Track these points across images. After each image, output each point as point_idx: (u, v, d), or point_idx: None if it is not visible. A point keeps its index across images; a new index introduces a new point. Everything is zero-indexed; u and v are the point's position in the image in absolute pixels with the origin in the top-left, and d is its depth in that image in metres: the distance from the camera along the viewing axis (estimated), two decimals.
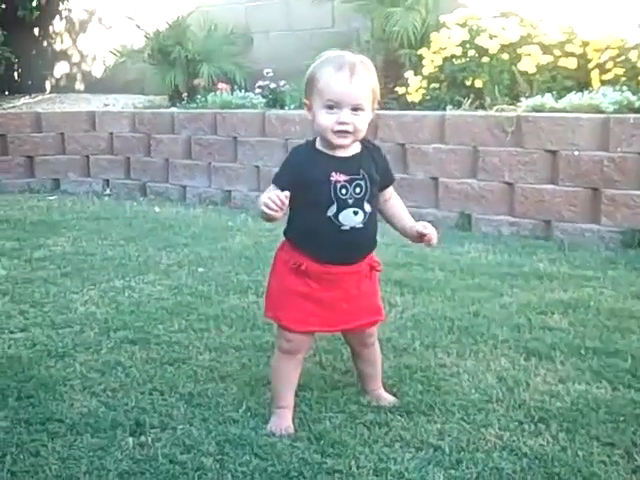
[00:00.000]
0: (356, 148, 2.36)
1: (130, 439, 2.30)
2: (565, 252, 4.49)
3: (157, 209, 6.25)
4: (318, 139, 2.36)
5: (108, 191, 7.14)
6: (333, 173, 2.29)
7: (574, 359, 2.85)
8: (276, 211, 2.20)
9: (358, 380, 2.63)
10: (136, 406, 2.51)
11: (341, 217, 2.30)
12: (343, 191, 2.30)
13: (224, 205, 6.40)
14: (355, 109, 2.26)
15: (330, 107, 2.27)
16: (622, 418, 2.37)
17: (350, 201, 2.30)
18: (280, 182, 2.32)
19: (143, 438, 2.31)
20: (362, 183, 2.32)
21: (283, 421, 2.37)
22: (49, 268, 4.28)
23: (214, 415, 2.45)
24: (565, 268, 4.13)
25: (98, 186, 7.21)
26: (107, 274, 4.13)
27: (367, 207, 2.33)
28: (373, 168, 2.36)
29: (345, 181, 2.30)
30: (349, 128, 2.26)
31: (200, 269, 4.22)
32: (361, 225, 2.33)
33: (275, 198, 2.19)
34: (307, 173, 2.31)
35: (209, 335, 3.17)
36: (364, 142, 2.39)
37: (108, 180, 7.20)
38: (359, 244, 2.38)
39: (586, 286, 3.76)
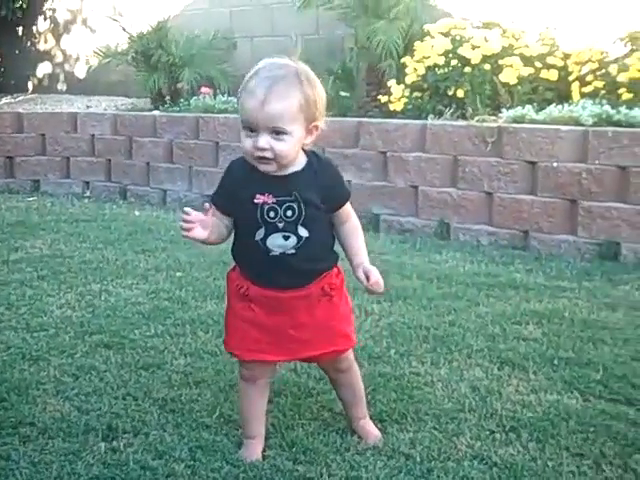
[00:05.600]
0: (298, 165, 2.13)
1: (102, 444, 2.30)
2: (542, 262, 4.52)
3: (137, 212, 6.23)
4: None
5: (88, 193, 7.09)
6: (258, 195, 2.09)
7: (547, 369, 2.88)
8: (187, 230, 2.09)
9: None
10: (109, 411, 2.51)
11: (269, 242, 2.11)
12: (271, 214, 2.09)
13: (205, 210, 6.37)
14: (276, 132, 2.02)
15: (250, 129, 2.04)
16: (592, 429, 2.40)
17: (280, 225, 2.10)
18: (215, 201, 2.18)
19: (115, 443, 2.31)
20: (294, 205, 2.09)
21: (252, 453, 2.24)
22: (26, 271, 4.26)
23: (187, 421, 2.46)
24: (541, 279, 4.15)
25: (78, 188, 7.17)
26: (84, 277, 4.12)
27: (303, 231, 2.11)
28: (313, 188, 2.12)
29: (274, 203, 2.09)
30: (268, 154, 2.03)
31: (178, 274, 4.22)
32: (293, 251, 2.12)
33: (183, 217, 2.09)
34: (236, 192, 2.13)
35: (185, 340, 3.18)
36: (310, 157, 2.15)
37: (88, 182, 7.16)
38: (294, 271, 2.14)
39: (561, 297, 3.79)
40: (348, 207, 2.24)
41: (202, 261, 4.49)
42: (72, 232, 5.32)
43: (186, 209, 2.11)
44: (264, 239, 2.12)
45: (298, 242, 2.12)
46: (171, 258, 4.57)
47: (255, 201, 2.10)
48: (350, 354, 2.35)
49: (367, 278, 2.16)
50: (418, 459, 2.23)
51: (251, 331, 2.20)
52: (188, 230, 2.10)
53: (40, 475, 2.13)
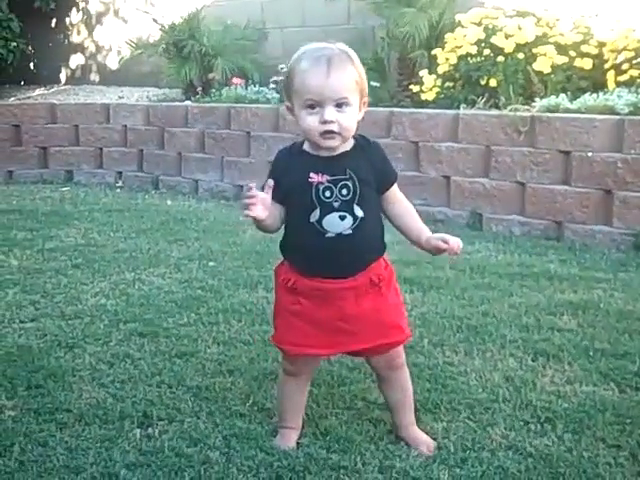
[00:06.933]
0: (346, 146, 2.13)
1: (137, 431, 2.32)
2: (576, 253, 4.47)
3: (169, 202, 6.27)
4: (306, 140, 2.16)
5: (121, 183, 7.15)
6: (312, 174, 2.08)
7: (582, 360, 2.85)
8: (249, 206, 2.02)
9: (390, 418, 2.36)
10: (144, 398, 2.53)
11: (325, 223, 2.08)
12: (327, 193, 2.08)
13: (236, 200, 6.39)
14: (339, 105, 2.04)
15: (311, 107, 2.05)
16: (629, 420, 2.37)
17: (336, 204, 2.08)
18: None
19: (150, 430, 2.33)
20: (349, 184, 2.09)
21: (287, 441, 2.25)
22: (60, 259, 4.31)
23: (221, 409, 2.47)
24: (575, 269, 4.11)
25: (111, 178, 7.23)
26: (118, 266, 4.15)
27: (358, 211, 2.09)
28: (365, 167, 2.12)
29: (329, 182, 2.08)
30: (334, 127, 2.04)
31: (211, 263, 4.24)
32: (350, 232, 2.09)
33: (248, 193, 2.03)
34: (288, 177, 2.11)
35: (218, 329, 3.19)
36: (357, 138, 2.16)
37: (121, 172, 7.22)
38: (349, 254, 2.11)
39: (596, 288, 3.75)
40: (397, 189, 2.23)
41: (235, 250, 4.51)
42: (105, 222, 5.37)
43: (250, 185, 2.06)
44: (320, 220, 2.09)
45: (354, 222, 2.10)
46: (204, 247, 4.60)
47: (310, 180, 2.08)
48: (402, 350, 2.30)
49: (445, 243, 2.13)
50: (452, 449, 2.23)
51: (299, 325, 2.17)
52: (250, 208, 2.04)
53: (76, 461, 2.15)
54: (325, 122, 2.04)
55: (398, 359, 2.28)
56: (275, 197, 2.11)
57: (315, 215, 2.09)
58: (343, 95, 2.04)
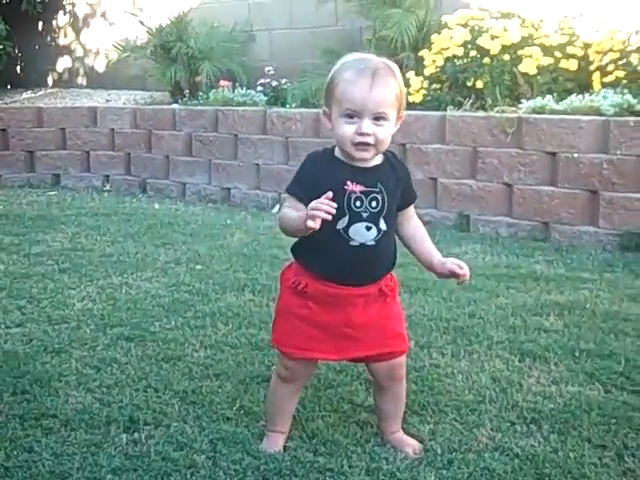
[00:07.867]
0: (377, 159, 2.15)
1: (124, 436, 2.32)
2: (562, 254, 4.49)
3: (156, 206, 6.26)
4: (337, 147, 2.16)
5: (108, 187, 7.14)
6: (348, 182, 2.09)
7: (568, 361, 2.86)
8: (317, 218, 1.95)
9: (377, 421, 2.37)
10: (130, 403, 2.53)
11: (351, 231, 2.10)
12: (357, 203, 2.10)
13: (223, 203, 6.40)
14: (377, 118, 2.06)
15: (349, 116, 2.06)
16: (614, 420, 2.39)
17: (364, 215, 2.10)
18: (296, 192, 2.13)
19: (137, 435, 2.32)
20: (379, 197, 2.11)
21: (273, 445, 2.25)
22: (47, 264, 4.30)
23: (208, 413, 2.46)
24: (562, 270, 4.13)
25: (98, 182, 7.22)
26: (105, 270, 4.14)
27: (383, 224, 2.12)
28: (394, 183, 2.16)
29: (361, 192, 2.10)
30: (370, 140, 2.06)
31: (198, 266, 4.23)
32: (373, 243, 2.12)
33: (322, 204, 1.95)
34: (321, 182, 2.08)
35: (205, 333, 3.18)
36: (387, 154, 2.18)
37: (108, 176, 7.21)
38: (368, 263, 2.14)
39: (582, 288, 3.77)
40: (413, 208, 2.28)
41: (222, 254, 4.50)
42: (92, 225, 5.36)
43: (330, 194, 1.99)
44: (347, 228, 2.10)
45: (378, 234, 2.13)
46: (191, 251, 4.59)
47: (345, 187, 2.09)
48: (405, 361, 2.31)
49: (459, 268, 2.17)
50: (439, 450, 2.23)
51: (305, 329, 2.17)
52: (317, 220, 1.96)
53: (62, 467, 2.14)
54: (362, 134, 2.06)
55: (400, 370, 2.28)
56: (306, 200, 2.07)
57: (343, 222, 2.10)
58: (383, 109, 2.06)
